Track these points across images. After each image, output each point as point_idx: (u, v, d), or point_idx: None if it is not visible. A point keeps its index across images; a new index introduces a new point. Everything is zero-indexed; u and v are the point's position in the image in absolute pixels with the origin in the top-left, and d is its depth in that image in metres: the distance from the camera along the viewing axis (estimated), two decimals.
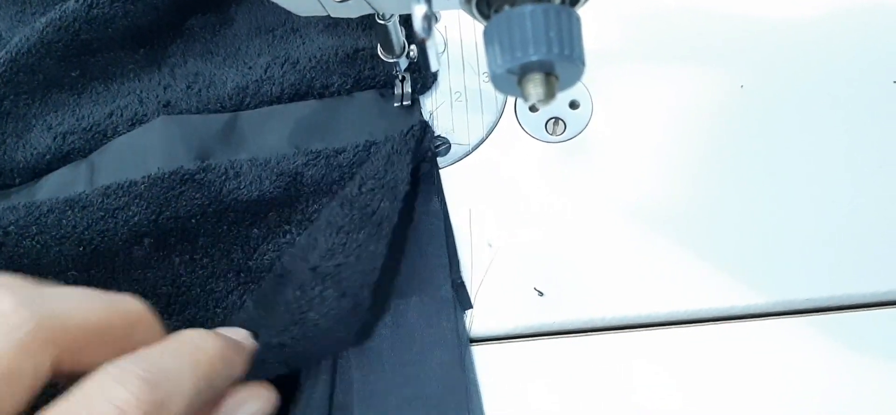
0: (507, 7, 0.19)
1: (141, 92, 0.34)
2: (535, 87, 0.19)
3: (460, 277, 0.30)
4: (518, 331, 0.29)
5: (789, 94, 0.32)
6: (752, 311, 0.29)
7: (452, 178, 0.31)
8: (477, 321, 0.29)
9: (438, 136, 0.32)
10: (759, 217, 0.30)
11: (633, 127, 0.32)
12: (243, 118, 0.33)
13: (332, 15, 0.27)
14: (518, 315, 0.29)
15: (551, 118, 0.32)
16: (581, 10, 0.21)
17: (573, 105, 0.33)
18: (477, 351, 0.29)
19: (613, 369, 0.28)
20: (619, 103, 0.32)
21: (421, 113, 0.33)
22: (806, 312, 0.29)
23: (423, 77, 0.33)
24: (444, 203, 0.31)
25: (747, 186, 0.31)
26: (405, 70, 0.32)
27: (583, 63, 0.19)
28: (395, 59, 0.31)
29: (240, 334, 0.24)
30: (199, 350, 0.21)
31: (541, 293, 0.29)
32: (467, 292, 0.29)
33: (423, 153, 0.31)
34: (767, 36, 0.33)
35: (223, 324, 0.25)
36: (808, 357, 0.28)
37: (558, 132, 0.32)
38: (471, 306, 0.29)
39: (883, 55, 0.33)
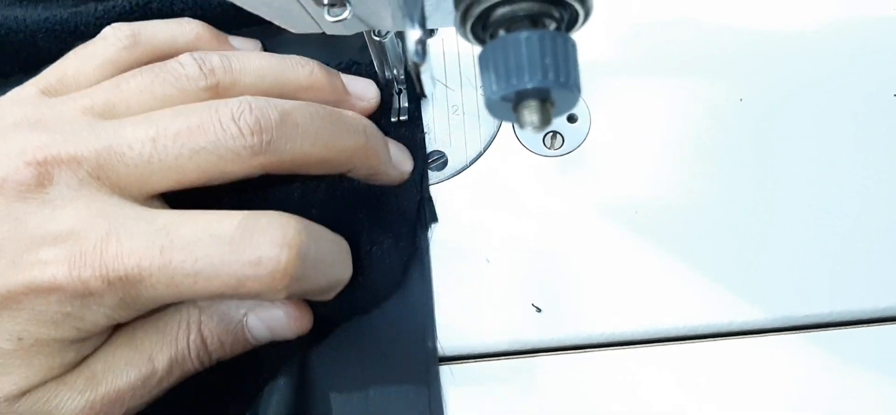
0: (502, 32, 0.19)
1: None
2: (530, 113, 0.19)
3: (428, 191, 0.31)
4: (515, 347, 0.29)
5: (789, 108, 0.32)
6: (752, 326, 0.29)
7: (449, 192, 0.31)
8: (473, 338, 0.29)
9: (435, 151, 0.32)
10: (759, 231, 0.30)
11: (632, 140, 0.32)
12: None
13: (327, 32, 0.27)
14: (515, 331, 0.29)
15: (549, 132, 0.32)
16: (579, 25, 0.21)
17: (571, 119, 0.32)
18: (474, 368, 0.29)
19: (612, 385, 0.28)
20: (617, 117, 0.32)
21: (421, 125, 0.32)
22: (806, 328, 0.29)
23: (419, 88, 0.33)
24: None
25: (747, 199, 0.30)
26: (401, 84, 0.32)
27: (578, 90, 0.19)
28: (391, 76, 0.30)
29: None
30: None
31: (538, 309, 0.29)
32: (433, 206, 0.30)
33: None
34: (766, 49, 0.33)
35: None
36: (809, 373, 0.28)
37: (556, 146, 0.32)
38: (436, 220, 0.30)
39: (883, 68, 0.32)
